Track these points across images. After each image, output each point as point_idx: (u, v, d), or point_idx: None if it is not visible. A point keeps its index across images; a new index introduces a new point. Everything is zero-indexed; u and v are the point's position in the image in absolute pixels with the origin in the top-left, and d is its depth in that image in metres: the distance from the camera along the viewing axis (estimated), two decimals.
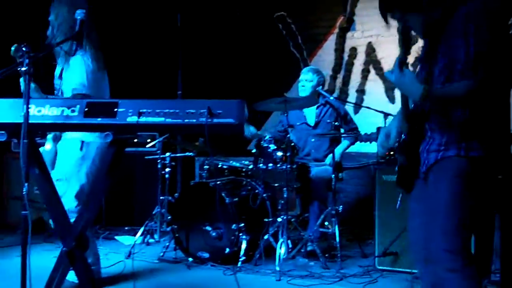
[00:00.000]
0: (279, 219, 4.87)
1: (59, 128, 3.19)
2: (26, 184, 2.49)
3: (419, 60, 2.76)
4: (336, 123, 5.54)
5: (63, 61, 3.87)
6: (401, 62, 2.47)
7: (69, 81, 3.82)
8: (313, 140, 5.66)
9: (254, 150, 5.21)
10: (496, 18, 2.49)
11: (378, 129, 4.87)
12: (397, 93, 6.59)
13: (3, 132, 2.71)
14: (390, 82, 2.59)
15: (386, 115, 5.31)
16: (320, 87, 5.65)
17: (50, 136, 4.01)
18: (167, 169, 5.97)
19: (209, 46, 7.90)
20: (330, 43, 7.47)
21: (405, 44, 2.52)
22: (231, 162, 5.69)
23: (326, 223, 5.27)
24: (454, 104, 2.48)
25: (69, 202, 3.75)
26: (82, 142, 3.84)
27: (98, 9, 4.02)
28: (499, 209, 3.80)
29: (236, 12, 7.93)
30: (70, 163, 3.86)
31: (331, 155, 5.19)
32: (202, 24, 7.88)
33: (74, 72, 3.79)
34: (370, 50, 7.15)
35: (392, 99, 6.90)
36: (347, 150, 5.80)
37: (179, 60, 7.56)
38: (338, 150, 5.57)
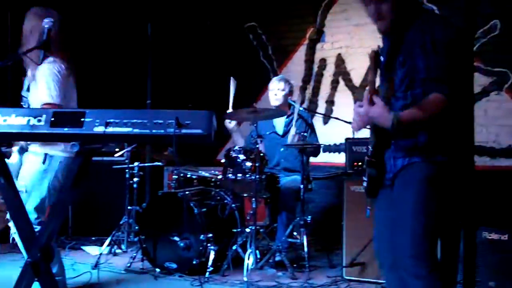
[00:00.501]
0: (248, 230, 4.86)
1: (25, 137, 3.15)
2: None
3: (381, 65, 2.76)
4: (305, 134, 5.55)
5: (31, 71, 3.81)
6: (371, 94, 2.49)
7: (36, 93, 3.75)
8: (282, 149, 5.67)
9: (223, 160, 5.21)
10: (454, 30, 2.54)
11: (347, 140, 4.91)
12: None
13: None
14: (360, 94, 2.61)
15: None
16: (290, 96, 5.70)
17: (16, 148, 3.95)
18: (135, 179, 5.94)
19: (179, 55, 7.90)
20: (300, 54, 7.51)
21: (375, 72, 2.54)
22: (200, 172, 5.67)
23: (294, 233, 5.28)
24: (425, 124, 2.50)
25: (29, 214, 3.68)
26: (45, 155, 3.78)
27: (67, 17, 3.97)
28: (462, 217, 3.84)
29: (207, 22, 7.95)
30: (32, 176, 3.79)
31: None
32: (173, 33, 7.87)
33: (42, 83, 3.71)
34: (340, 61, 7.20)
35: None
36: (314, 160, 5.82)
37: (148, 69, 7.52)
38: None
